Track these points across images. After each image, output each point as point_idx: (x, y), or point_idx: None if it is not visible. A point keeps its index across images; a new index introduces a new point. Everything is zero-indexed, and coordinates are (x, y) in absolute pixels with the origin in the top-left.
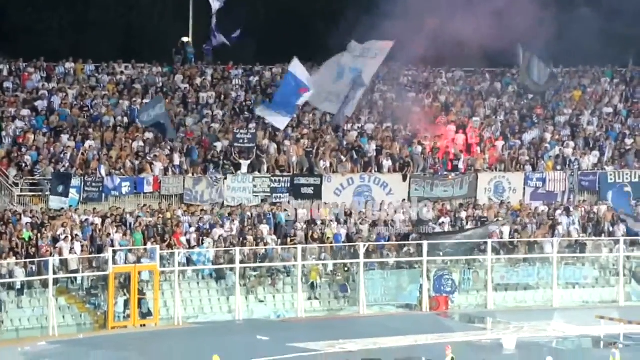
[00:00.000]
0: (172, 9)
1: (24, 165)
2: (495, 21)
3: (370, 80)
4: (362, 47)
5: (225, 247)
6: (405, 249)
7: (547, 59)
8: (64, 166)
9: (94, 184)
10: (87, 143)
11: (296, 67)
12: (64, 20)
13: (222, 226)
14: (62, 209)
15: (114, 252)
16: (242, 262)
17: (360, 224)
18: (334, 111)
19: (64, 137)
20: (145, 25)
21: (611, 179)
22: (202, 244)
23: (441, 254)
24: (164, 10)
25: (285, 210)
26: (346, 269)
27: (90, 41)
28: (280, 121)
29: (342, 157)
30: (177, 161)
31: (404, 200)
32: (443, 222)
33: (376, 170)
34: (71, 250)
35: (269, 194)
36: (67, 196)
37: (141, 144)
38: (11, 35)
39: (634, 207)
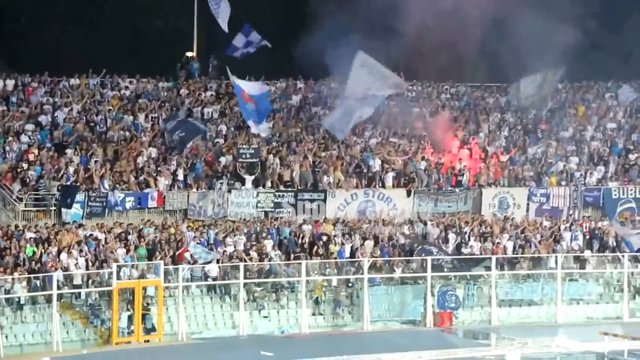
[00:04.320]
0: (176, 23)
1: (27, 180)
2: (499, 36)
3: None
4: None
5: (229, 262)
6: (409, 264)
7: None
8: (67, 181)
9: (97, 199)
10: (92, 158)
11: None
12: (68, 34)
13: (226, 241)
14: (67, 223)
15: (118, 267)
16: (246, 277)
17: (364, 239)
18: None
19: (69, 152)
20: (149, 40)
21: (615, 195)
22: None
23: (445, 269)
24: (168, 25)
25: (289, 225)
26: (350, 284)
27: (93, 55)
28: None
29: (346, 172)
30: (181, 176)
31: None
32: (449, 238)
33: (380, 185)
34: (75, 265)
35: (273, 209)
36: (70, 208)
37: (145, 159)
38: (17, 49)
39: None
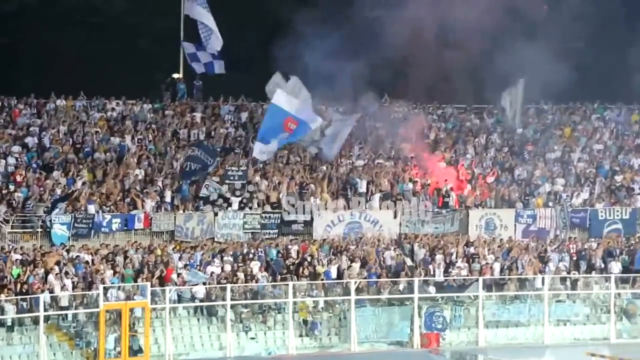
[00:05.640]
0: (163, 44)
1: (14, 202)
2: (486, 58)
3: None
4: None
5: (216, 284)
6: (396, 286)
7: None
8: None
9: (84, 221)
10: (79, 180)
11: (280, 97)
12: (57, 56)
13: (213, 263)
14: (55, 232)
15: (105, 288)
16: (233, 298)
17: (351, 260)
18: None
19: (55, 174)
20: (136, 61)
21: (602, 216)
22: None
23: (433, 290)
24: (155, 46)
25: (276, 246)
26: (336, 305)
27: (79, 77)
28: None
29: (333, 194)
30: (168, 198)
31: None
32: (436, 259)
33: (367, 206)
34: (62, 287)
35: (259, 231)
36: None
37: (132, 180)
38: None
39: None
